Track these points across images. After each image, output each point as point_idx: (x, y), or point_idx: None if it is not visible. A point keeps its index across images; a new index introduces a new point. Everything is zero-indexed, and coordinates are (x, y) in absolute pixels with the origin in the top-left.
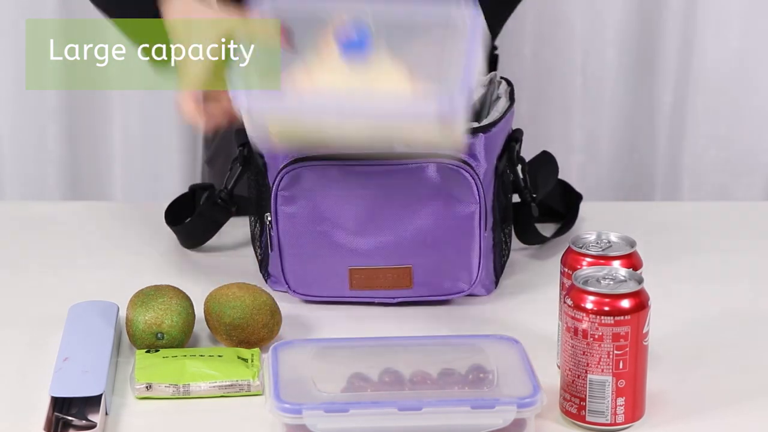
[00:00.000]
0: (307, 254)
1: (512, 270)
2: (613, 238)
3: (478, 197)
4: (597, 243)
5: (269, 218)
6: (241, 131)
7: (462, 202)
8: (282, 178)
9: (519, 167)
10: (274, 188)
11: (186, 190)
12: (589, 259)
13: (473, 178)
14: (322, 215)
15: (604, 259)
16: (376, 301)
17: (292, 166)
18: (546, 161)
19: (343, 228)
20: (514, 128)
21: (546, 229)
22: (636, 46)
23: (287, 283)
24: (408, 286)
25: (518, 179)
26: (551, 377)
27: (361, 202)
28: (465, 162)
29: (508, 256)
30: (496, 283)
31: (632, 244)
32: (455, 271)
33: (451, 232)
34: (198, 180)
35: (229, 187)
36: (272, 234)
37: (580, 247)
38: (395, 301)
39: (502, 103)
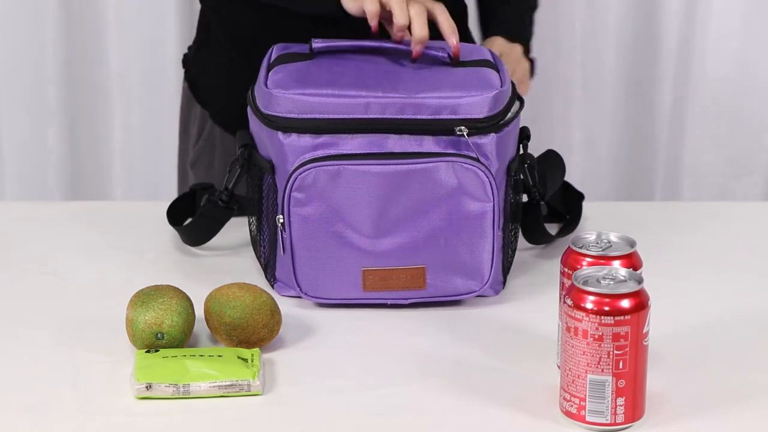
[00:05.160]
0: (321, 256)
1: (520, 270)
2: (613, 238)
3: (491, 196)
4: (597, 243)
5: (281, 220)
6: (243, 133)
7: (476, 201)
8: (295, 179)
9: (527, 165)
10: (286, 190)
11: (186, 190)
12: (589, 259)
13: (487, 177)
14: (337, 216)
15: (604, 259)
16: (390, 302)
17: (306, 167)
18: (553, 160)
19: (357, 229)
20: (521, 126)
21: (549, 228)
22: (636, 46)
23: (299, 286)
24: (421, 287)
25: (527, 178)
26: (551, 377)
27: (375, 203)
28: (478, 161)
29: (513, 256)
30: (504, 283)
31: (632, 244)
32: (468, 271)
33: (464, 232)
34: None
35: (230, 188)
36: (284, 236)
37: (580, 247)
38: (408, 302)
39: (514, 104)
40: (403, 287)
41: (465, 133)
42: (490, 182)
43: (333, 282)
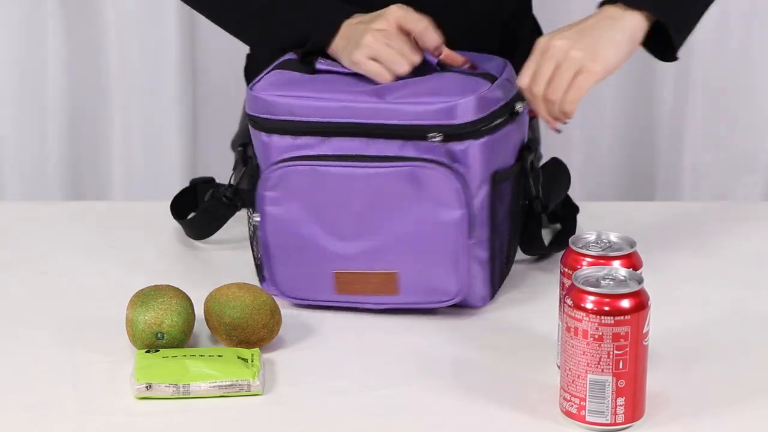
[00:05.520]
0: (293, 257)
1: (519, 270)
2: (613, 238)
3: (465, 203)
4: (597, 243)
5: (257, 219)
6: (243, 132)
7: (447, 208)
8: (267, 178)
9: (532, 176)
10: (260, 188)
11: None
12: (589, 259)
13: (460, 184)
14: (308, 217)
15: (604, 259)
16: (362, 306)
17: (279, 166)
18: (558, 171)
19: (328, 231)
20: (529, 138)
21: (544, 234)
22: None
23: (276, 285)
24: (394, 293)
25: (529, 188)
26: (551, 377)
27: (346, 205)
28: (452, 168)
29: (510, 268)
30: (493, 294)
31: (632, 244)
32: (442, 278)
33: (437, 238)
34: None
35: (234, 185)
36: (260, 235)
37: (581, 247)
38: (381, 307)
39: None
40: (375, 292)
41: (439, 139)
42: (462, 190)
43: (306, 283)
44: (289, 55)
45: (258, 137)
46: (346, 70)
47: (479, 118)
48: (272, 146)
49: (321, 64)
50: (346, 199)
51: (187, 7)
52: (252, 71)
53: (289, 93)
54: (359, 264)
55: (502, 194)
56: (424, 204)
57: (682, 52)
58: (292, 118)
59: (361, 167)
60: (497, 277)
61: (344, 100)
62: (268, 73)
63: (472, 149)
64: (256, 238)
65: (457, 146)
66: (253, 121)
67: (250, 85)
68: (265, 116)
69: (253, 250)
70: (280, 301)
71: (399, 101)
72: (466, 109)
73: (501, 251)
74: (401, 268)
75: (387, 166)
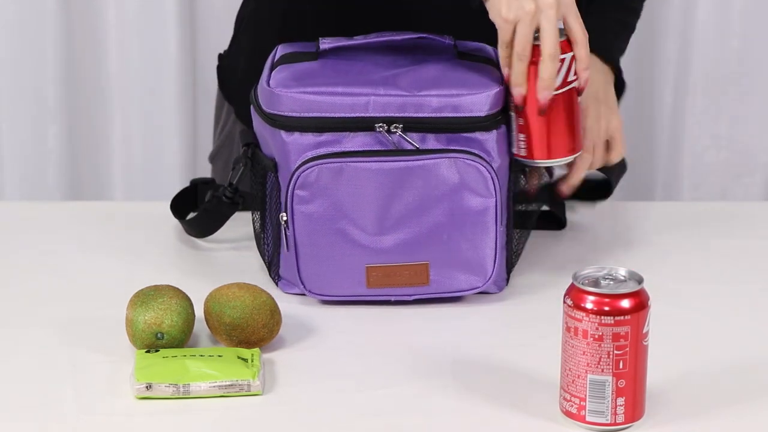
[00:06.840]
0: (324, 253)
1: (521, 268)
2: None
3: (494, 192)
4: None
5: (285, 218)
6: (246, 131)
7: (478, 197)
8: (298, 177)
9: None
10: (289, 188)
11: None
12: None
13: (489, 173)
14: (340, 214)
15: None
16: (393, 299)
17: (308, 165)
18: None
19: (360, 226)
20: None
21: (545, 234)
22: (636, 46)
23: (303, 284)
24: (425, 283)
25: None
26: (551, 377)
27: (377, 200)
28: (480, 157)
29: (520, 254)
30: (507, 280)
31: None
32: (471, 266)
33: (467, 227)
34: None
35: (234, 183)
36: (288, 234)
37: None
38: (412, 298)
39: None
40: (407, 283)
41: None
42: (492, 178)
43: (337, 279)
44: (282, 50)
45: (277, 136)
46: (353, 44)
47: (501, 108)
48: (293, 144)
49: (325, 44)
50: (377, 193)
51: (188, 8)
52: (228, 81)
53: (309, 89)
54: (392, 257)
55: (516, 180)
56: (456, 194)
57: (682, 51)
58: (317, 114)
59: (390, 161)
60: (510, 263)
61: (369, 94)
62: (272, 71)
63: (495, 138)
64: (267, 238)
65: (483, 136)
66: (272, 119)
67: (261, 83)
68: (287, 114)
69: (261, 251)
70: (280, 301)
71: (425, 94)
72: (491, 100)
73: (513, 236)
74: (433, 259)
75: (416, 159)
